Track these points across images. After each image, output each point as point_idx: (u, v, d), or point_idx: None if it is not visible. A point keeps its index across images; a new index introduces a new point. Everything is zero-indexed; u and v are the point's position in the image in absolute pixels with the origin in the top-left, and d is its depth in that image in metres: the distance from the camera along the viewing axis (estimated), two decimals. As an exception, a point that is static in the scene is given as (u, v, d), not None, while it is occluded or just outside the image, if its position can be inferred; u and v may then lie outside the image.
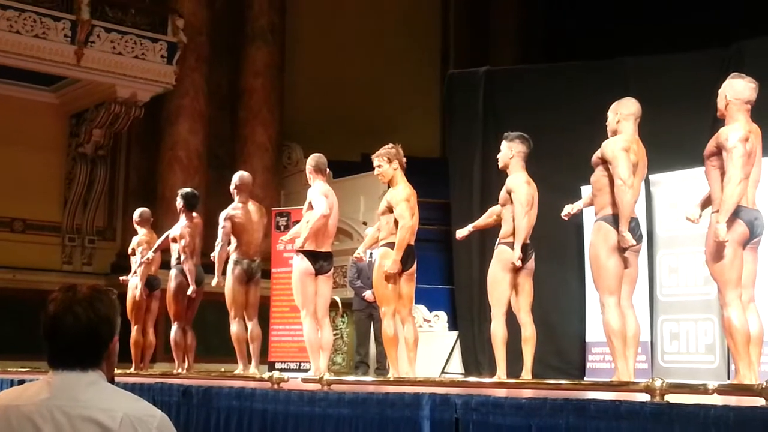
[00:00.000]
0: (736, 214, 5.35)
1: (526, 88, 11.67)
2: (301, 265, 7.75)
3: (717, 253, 5.42)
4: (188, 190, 9.61)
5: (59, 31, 13.22)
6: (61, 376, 2.38)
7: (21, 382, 5.97)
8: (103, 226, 15.25)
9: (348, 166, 13.74)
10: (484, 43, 17.56)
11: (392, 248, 7.14)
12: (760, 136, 5.50)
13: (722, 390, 4.21)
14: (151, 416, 2.39)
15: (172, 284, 9.22)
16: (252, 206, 8.82)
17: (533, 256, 7.08)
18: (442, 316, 12.10)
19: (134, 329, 9.95)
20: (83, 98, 14.67)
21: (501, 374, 6.92)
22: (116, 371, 7.56)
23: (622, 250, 5.85)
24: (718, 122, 5.78)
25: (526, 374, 6.94)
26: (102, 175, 14.99)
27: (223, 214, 8.68)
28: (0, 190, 14.08)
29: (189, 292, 9.04)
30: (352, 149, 14.57)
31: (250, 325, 8.66)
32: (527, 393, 4.67)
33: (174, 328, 9.32)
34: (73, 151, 14.99)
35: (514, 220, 6.98)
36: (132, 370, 9.74)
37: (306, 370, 8.91)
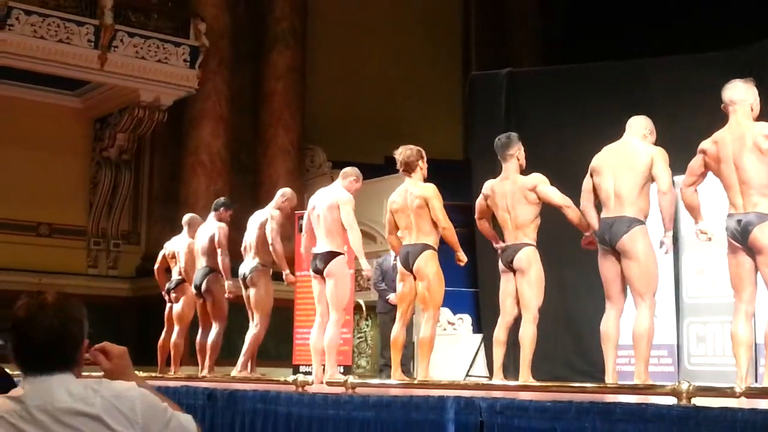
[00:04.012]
0: None
1: (548, 89, 11.62)
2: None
3: None
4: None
5: (83, 36, 13.31)
6: (33, 381, 2.40)
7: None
8: (128, 230, 15.34)
9: (371, 168, 13.72)
10: (505, 45, 17.52)
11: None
12: None
13: (750, 393, 4.19)
14: (127, 389, 2.44)
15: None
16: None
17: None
18: (467, 319, 12.06)
19: (176, 332, 9.99)
20: (107, 102, 14.75)
21: (527, 377, 6.89)
22: (142, 374, 7.54)
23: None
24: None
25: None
26: (126, 179, 15.09)
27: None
28: (25, 195, 14.19)
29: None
30: (375, 152, 14.56)
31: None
32: (552, 396, 4.66)
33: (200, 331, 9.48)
34: (97, 156, 15.08)
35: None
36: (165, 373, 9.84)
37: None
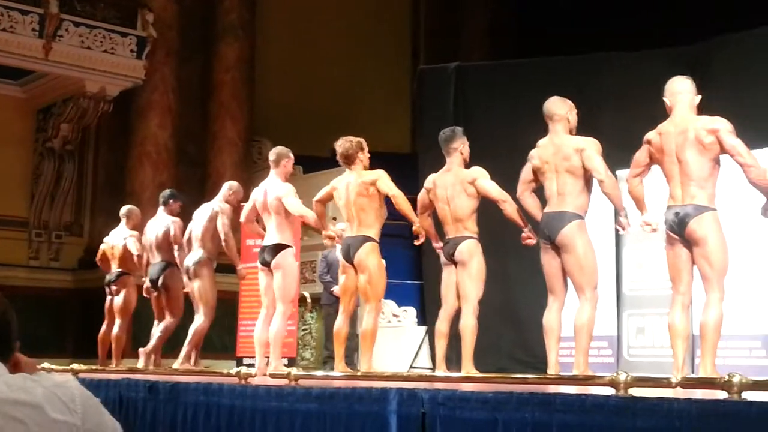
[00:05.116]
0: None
1: (497, 83, 11.70)
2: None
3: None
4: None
5: (27, 25, 13.09)
6: None
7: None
8: (71, 221, 15.12)
9: (318, 161, 13.72)
10: (455, 39, 17.55)
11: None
12: None
13: (686, 383, 4.26)
14: (65, 380, 2.43)
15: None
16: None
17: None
18: (411, 311, 12.12)
19: (117, 325, 9.96)
20: (51, 93, 14.52)
21: (469, 369, 6.95)
22: (82, 367, 7.46)
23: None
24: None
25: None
26: (70, 171, 14.87)
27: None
28: (-35, 185, 13.95)
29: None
30: (322, 145, 14.51)
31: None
32: (494, 387, 4.70)
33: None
34: (40, 146, 14.84)
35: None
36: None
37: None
